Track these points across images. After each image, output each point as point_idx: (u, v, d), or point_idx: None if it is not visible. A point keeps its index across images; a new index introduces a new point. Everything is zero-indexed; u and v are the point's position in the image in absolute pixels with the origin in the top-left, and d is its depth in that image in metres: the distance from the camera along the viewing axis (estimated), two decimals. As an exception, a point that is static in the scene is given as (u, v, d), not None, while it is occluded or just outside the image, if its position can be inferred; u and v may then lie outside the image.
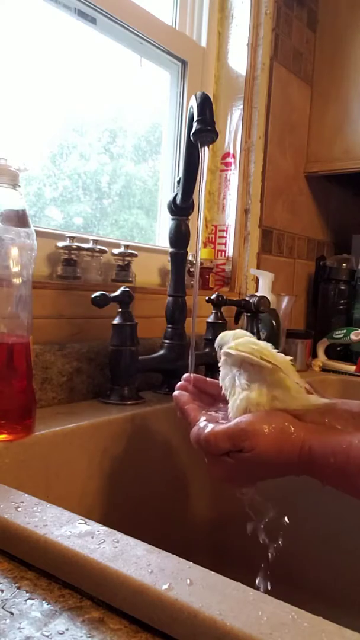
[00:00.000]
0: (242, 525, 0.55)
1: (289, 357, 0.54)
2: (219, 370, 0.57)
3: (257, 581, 0.56)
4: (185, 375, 0.62)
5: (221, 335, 0.59)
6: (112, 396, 0.78)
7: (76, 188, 0.99)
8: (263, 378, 0.51)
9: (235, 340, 0.54)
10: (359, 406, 0.57)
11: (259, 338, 0.57)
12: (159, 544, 0.36)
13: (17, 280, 0.56)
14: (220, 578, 0.33)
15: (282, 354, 0.54)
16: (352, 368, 1.26)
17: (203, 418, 0.52)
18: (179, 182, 0.81)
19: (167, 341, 0.87)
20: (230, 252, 1.23)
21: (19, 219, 0.56)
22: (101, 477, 0.69)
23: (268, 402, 0.50)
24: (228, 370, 0.55)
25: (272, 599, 0.31)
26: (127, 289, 0.78)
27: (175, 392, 0.59)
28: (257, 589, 0.32)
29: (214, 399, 0.61)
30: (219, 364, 0.57)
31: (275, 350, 0.54)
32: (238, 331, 0.59)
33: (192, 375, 0.62)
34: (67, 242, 0.84)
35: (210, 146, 0.68)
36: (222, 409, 0.57)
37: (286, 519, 0.55)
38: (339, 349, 1.37)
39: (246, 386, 0.52)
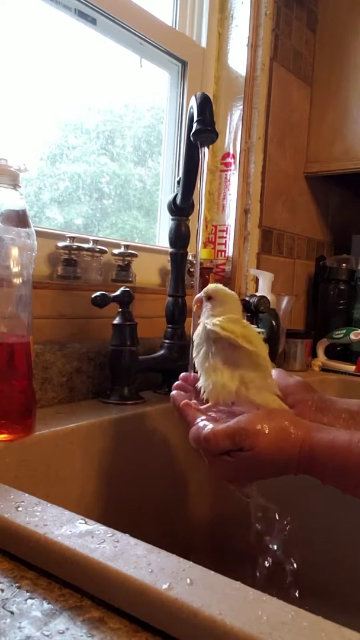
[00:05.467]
0: (242, 524, 0.55)
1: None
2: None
3: (257, 581, 0.56)
4: (182, 375, 0.61)
5: (211, 289, 0.57)
6: (112, 396, 0.78)
7: (76, 189, 1.00)
8: (239, 361, 0.52)
9: (221, 317, 0.54)
10: (358, 405, 0.57)
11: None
12: (159, 543, 0.37)
13: (17, 280, 0.56)
14: (220, 577, 0.33)
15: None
16: (351, 368, 1.26)
17: (202, 417, 0.52)
18: (179, 182, 0.81)
19: (167, 341, 0.87)
20: (230, 252, 1.23)
21: (19, 219, 0.56)
22: (101, 476, 0.69)
23: (236, 387, 0.51)
24: (203, 342, 0.55)
25: (272, 598, 0.31)
26: (127, 289, 0.78)
27: (173, 392, 0.58)
28: (257, 588, 0.32)
29: None
30: (197, 324, 0.56)
31: (260, 335, 0.54)
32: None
33: (190, 374, 0.61)
34: (67, 242, 0.84)
35: (210, 146, 0.68)
36: (220, 408, 0.57)
37: (286, 519, 0.55)
38: (338, 348, 1.37)
39: (220, 366, 0.52)
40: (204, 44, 1.21)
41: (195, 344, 0.56)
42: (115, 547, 0.36)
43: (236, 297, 0.57)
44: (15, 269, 0.56)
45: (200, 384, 0.55)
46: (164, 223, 1.15)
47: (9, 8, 0.84)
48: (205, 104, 0.65)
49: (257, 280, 1.21)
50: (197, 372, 0.56)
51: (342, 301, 1.41)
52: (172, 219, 0.86)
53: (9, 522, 0.39)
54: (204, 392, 0.54)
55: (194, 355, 0.56)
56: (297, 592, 0.56)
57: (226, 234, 1.24)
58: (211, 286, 0.57)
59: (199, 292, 0.58)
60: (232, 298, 0.57)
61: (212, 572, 0.33)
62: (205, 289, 0.57)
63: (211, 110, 0.65)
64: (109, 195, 1.07)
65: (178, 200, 0.83)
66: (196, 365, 0.56)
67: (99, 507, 0.68)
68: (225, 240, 1.24)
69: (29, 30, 0.87)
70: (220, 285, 0.57)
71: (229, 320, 0.53)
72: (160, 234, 1.17)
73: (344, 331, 1.29)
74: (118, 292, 0.78)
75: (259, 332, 0.55)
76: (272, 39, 1.25)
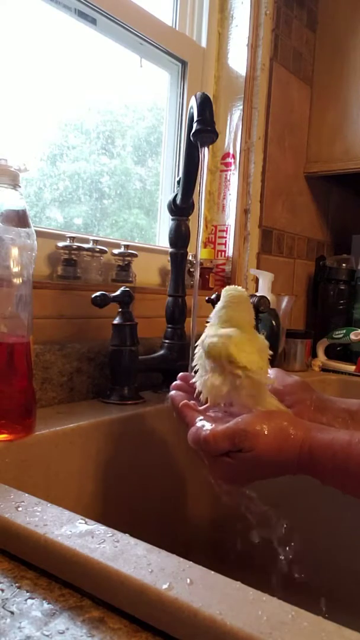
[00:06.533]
0: (242, 524, 0.55)
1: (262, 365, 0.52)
2: None
3: (256, 580, 0.56)
4: (181, 374, 0.61)
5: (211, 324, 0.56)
6: (112, 396, 0.78)
7: (76, 189, 1.00)
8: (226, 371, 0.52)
9: (217, 332, 0.53)
10: (357, 405, 0.57)
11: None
12: (159, 543, 0.37)
13: (17, 281, 0.56)
14: (221, 577, 0.33)
15: (257, 357, 0.52)
16: (351, 368, 1.26)
17: (201, 418, 0.52)
18: (179, 182, 0.81)
19: (167, 341, 0.87)
20: (230, 252, 1.23)
21: (19, 219, 0.56)
22: (101, 476, 0.69)
23: (227, 389, 0.51)
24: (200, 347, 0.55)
25: (272, 598, 0.31)
26: (127, 289, 0.78)
27: (171, 392, 0.58)
28: (257, 588, 0.32)
29: None
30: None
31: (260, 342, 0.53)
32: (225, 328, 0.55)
33: (190, 374, 0.61)
34: (67, 242, 0.84)
35: (210, 146, 0.68)
36: (219, 409, 0.57)
37: (286, 519, 0.55)
38: (338, 348, 1.37)
39: (211, 367, 0.52)
40: (204, 44, 1.21)
41: (196, 345, 0.56)
42: (115, 547, 0.36)
43: (244, 299, 0.56)
44: (15, 269, 0.56)
45: (196, 381, 0.55)
46: (164, 223, 1.15)
47: (9, 8, 0.84)
48: (205, 104, 0.65)
49: (257, 280, 1.21)
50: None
51: (342, 301, 1.41)
52: (172, 219, 0.86)
53: (9, 522, 0.39)
54: (198, 391, 0.54)
55: (193, 354, 0.56)
56: (297, 591, 0.56)
57: (226, 234, 1.24)
58: (229, 288, 0.56)
59: (199, 292, 0.58)
60: (240, 301, 0.55)
61: (212, 572, 0.33)
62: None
63: (211, 110, 0.65)
64: (109, 195, 1.07)
65: (178, 200, 0.83)
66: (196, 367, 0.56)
67: (98, 507, 0.68)
68: (225, 240, 1.24)
69: (29, 30, 0.87)
70: (237, 288, 0.56)
71: (226, 337, 0.52)
72: (160, 233, 1.17)
73: (344, 331, 1.29)
74: (118, 292, 0.78)
75: (262, 335, 0.55)
76: (272, 39, 1.25)
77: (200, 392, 0.54)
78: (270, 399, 0.52)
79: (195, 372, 0.56)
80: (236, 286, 0.56)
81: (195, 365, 0.56)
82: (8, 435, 0.57)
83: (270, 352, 0.54)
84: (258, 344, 0.54)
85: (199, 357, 0.55)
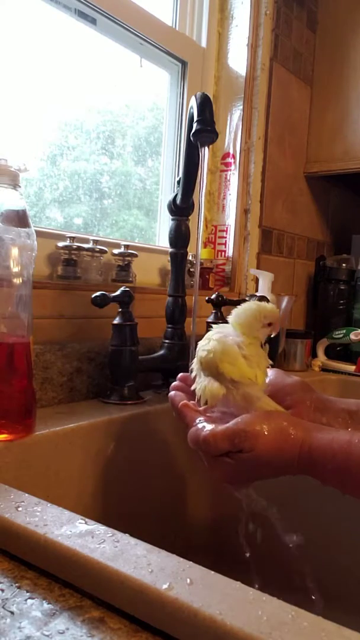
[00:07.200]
0: (242, 524, 0.55)
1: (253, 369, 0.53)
2: None
3: (256, 580, 0.56)
4: (180, 375, 0.61)
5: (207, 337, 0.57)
6: (112, 396, 0.78)
7: (76, 188, 1.00)
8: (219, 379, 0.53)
9: (210, 343, 0.54)
10: (357, 405, 0.57)
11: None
12: (159, 543, 0.37)
13: (17, 280, 0.56)
14: (221, 577, 0.33)
15: (246, 362, 0.53)
16: (351, 368, 1.26)
17: (200, 418, 0.52)
18: (179, 182, 0.81)
19: (167, 341, 0.87)
20: (230, 252, 1.23)
21: (19, 219, 0.56)
22: (101, 476, 0.69)
23: (223, 392, 0.52)
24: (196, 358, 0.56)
25: (272, 598, 0.31)
26: (127, 289, 0.78)
27: (171, 393, 0.58)
28: (257, 588, 0.32)
29: None
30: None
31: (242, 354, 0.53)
32: (217, 333, 0.56)
33: (190, 374, 0.61)
34: (67, 242, 0.84)
35: (210, 146, 0.68)
36: (219, 409, 0.57)
37: (285, 519, 0.55)
38: (338, 348, 1.37)
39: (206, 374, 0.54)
40: (204, 44, 1.21)
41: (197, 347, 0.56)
42: (115, 547, 0.36)
43: (251, 308, 0.56)
44: (15, 269, 0.56)
45: (196, 387, 0.55)
46: (164, 223, 1.15)
47: (9, 8, 0.84)
48: (205, 104, 0.66)
49: (257, 280, 1.21)
50: None
51: (342, 301, 1.41)
52: (172, 219, 0.86)
53: (9, 522, 0.39)
54: (197, 395, 0.54)
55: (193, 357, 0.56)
56: (297, 591, 0.56)
57: (226, 234, 1.24)
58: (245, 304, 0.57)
59: (199, 292, 0.58)
60: (246, 307, 0.56)
61: (212, 572, 0.33)
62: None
63: (211, 110, 0.65)
64: (108, 195, 1.07)
65: (178, 200, 0.83)
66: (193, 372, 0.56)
67: (98, 507, 0.68)
68: (225, 240, 1.24)
69: (29, 30, 0.87)
70: (245, 305, 0.56)
71: (216, 350, 0.52)
72: (160, 234, 1.17)
73: (344, 331, 1.29)
74: (118, 292, 0.78)
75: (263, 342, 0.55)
76: (272, 39, 1.25)
77: (200, 396, 0.54)
78: (267, 401, 0.52)
79: (194, 377, 0.56)
80: (251, 303, 0.57)
81: (193, 370, 0.56)
82: (8, 435, 0.57)
83: (270, 362, 0.55)
84: (256, 351, 0.54)
85: (195, 362, 0.55)
